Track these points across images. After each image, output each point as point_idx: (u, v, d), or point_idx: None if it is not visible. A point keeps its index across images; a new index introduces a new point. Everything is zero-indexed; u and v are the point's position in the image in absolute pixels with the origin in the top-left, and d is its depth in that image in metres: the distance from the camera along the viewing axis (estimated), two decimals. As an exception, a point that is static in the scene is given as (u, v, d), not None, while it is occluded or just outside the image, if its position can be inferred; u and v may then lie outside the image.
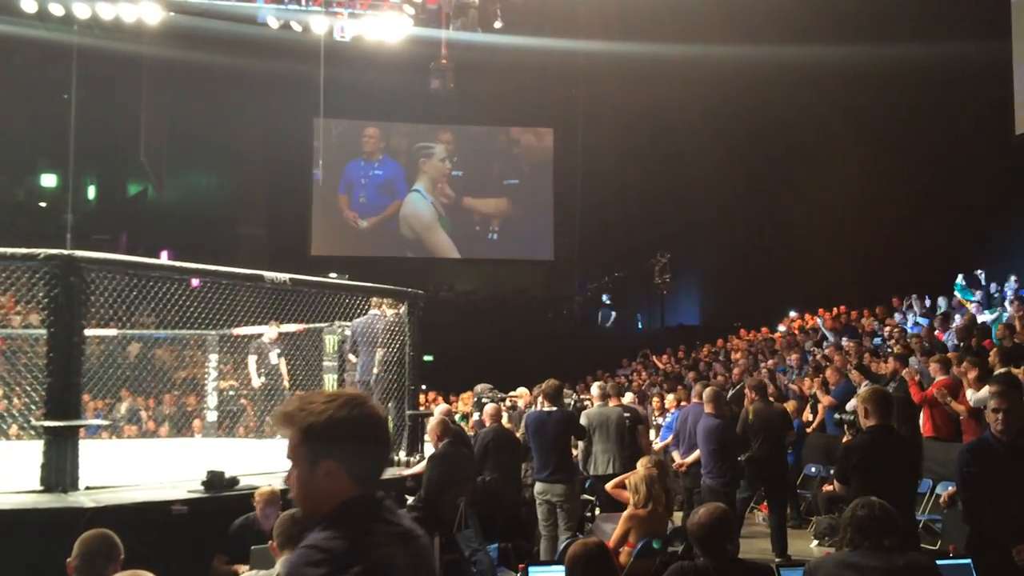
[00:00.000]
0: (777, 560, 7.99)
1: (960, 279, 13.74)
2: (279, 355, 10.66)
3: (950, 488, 7.86)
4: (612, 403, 9.43)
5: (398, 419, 8.32)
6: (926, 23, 15.26)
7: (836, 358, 12.02)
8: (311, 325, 10.50)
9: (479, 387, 10.69)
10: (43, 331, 6.19)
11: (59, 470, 5.73)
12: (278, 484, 5.89)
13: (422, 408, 9.57)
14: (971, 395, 8.32)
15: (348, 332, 9.38)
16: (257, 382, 10.68)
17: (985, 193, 15.27)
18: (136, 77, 20.13)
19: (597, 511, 9.14)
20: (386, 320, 8.54)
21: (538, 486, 7.81)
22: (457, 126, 24.48)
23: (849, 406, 9.62)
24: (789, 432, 9.27)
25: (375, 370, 8.54)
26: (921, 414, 9.02)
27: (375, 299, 8.85)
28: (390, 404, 8.42)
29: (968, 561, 4.38)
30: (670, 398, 12.50)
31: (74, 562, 3.73)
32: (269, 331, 10.49)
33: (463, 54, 18.23)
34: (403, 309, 8.61)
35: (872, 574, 3.38)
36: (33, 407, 6.66)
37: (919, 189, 16.33)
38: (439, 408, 9.24)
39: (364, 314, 8.90)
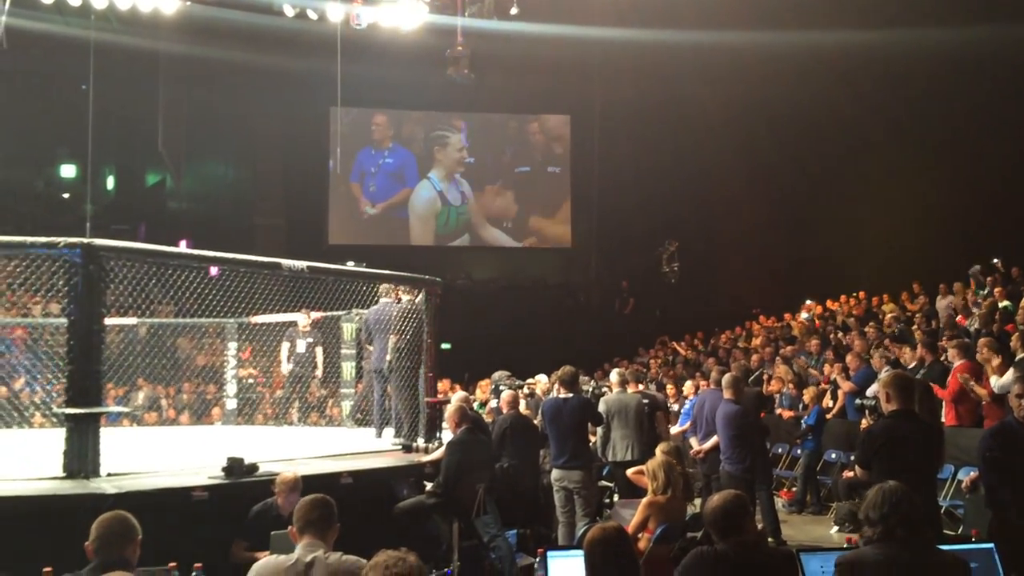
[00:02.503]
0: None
1: (975, 270, 13.54)
2: (311, 344, 10.71)
3: (972, 473, 7.80)
4: (631, 389, 9.40)
5: (413, 406, 8.33)
6: (948, 7, 15.08)
7: (857, 343, 11.95)
8: (329, 313, 10.56)
9: (497, 374, 10.69)
10: (64, 320, 6.22)
11: (81, 457, 5.78)
12: (300, 470, 5.93)
13: (440, 395, 9.58)
14: (994, 381, 8.25)
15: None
16: (286, 368, 10.75)
17: (1007, 180, 15.13)
18: (153, 67, 20.18)
19: (616, 497, 9.13)
20: (400, 307, 8.54)
21: (555, 472, 7.80)
22: (473, 114, 24.42)
23: (870, 391, 9.55)
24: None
25: (388, 357, 8.55)
26: (944, 404, 8.95)
27: (384, 287, 8.87)
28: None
29: (991, 546, 4.33)
30: (688, 385, 12.47)
31: (92, 544, 3.75)
32: (301, 319, 10.55)
33: (479, 41, 18.15)
34: (420, 296, 8.61)
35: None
36: (55, 395, 6.72)
37: (940, 175, 16.19)
38: (457, 395, 9.24)
39: (376, 303, 8.95)
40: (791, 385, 12.07)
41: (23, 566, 4.53)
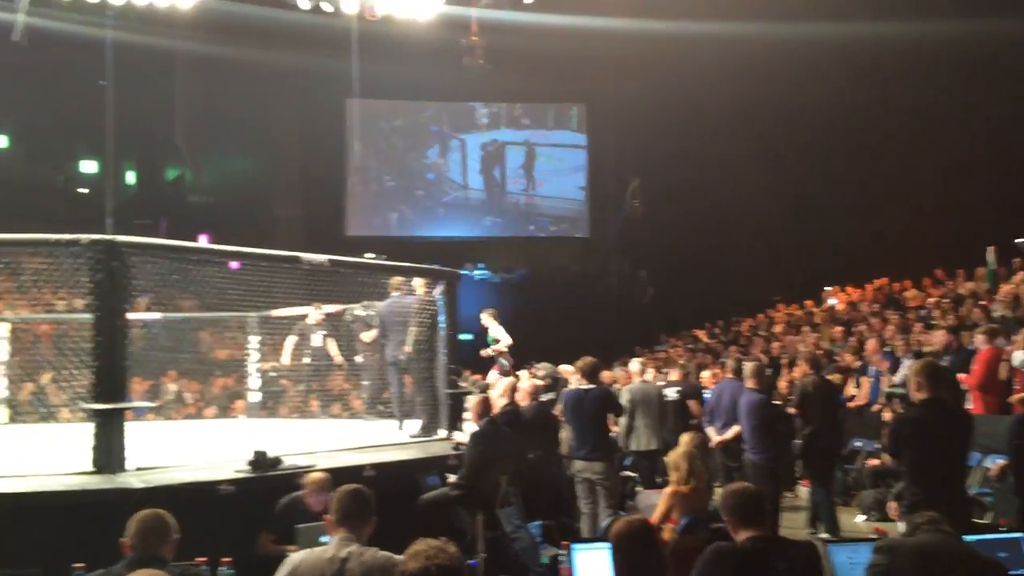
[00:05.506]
0: (823, 536, 7.88)
1: (990, 253, 13.31)
2: (324, 336, 10.73)
3: (1000, 461, 7.71)
4: (652, 377, 9.35)
5: (431, 396, 8.35)
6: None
7: (888, 330, 11.87)
8: (348, 306, 10.57)
9: (541, 365, 10.63)
10: (88, 315, 6.26)
11: (108, 452, 5.82)
12: (323, 463, 5.93)
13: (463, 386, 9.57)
14: (1017, 356, 8.20)
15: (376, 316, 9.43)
16: (287, 360, 10.76)
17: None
18: (170, 63, 20.27)
19: (639, 488, 9.10)
20: (415, 299, 8.56)
21: (576, 464, 7.77)
22: (490, 104, 24.42)
23: (898, 379, 9.47)
24: (839, 407, 9.17)
25: (407, 348, 8.55)
26: (970, 391, 8.86)
27: (394, 281, 8.88)
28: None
29: (1021, 535, 4.29)
30: (706, 374, 12.37)
31: (129, 540, 3.73)
32: (313, 312, 10.56)
33: (494, 32, 18.10)
34: (439, 289, 8.61)
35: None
36: (80, 390, 6.76)
37: (956, 161, 16.07)
38: (504, 381, 9.01)
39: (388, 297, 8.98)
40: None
41: (51, 561, 4.57)
